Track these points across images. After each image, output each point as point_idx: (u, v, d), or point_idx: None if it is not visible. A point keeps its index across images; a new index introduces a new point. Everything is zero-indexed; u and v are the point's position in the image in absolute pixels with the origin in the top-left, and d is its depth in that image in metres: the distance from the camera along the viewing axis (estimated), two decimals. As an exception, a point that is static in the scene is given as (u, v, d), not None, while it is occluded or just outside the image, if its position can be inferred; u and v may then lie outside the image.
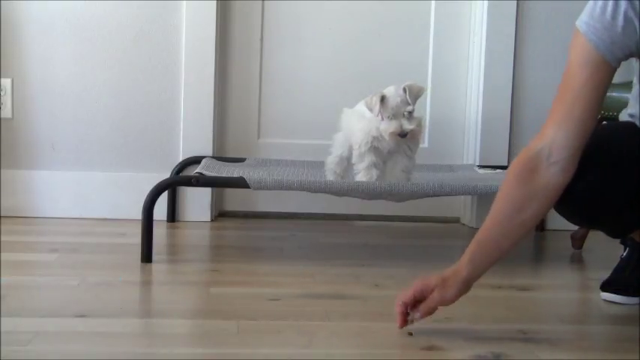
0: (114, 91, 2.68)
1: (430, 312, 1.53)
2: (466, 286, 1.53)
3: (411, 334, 1.54)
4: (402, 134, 2.13)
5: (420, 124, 2.16)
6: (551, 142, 1.52)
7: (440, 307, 1.53)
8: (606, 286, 1.87)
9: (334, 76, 2.84)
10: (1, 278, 1.83)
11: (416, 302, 1.53)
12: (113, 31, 2.66)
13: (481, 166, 2.73)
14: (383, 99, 2.13)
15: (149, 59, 2.68)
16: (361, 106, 2.26)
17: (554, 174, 1.52)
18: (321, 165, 2.49)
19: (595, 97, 1.53)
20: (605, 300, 1.85)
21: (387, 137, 2.14)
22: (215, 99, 2.72)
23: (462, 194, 2.41)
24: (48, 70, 2.65)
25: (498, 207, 1.56)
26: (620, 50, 1.50)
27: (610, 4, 1.48)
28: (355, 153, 2.22)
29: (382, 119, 2.15)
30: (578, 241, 2.46)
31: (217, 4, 2.68)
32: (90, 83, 2.67)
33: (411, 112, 2.14)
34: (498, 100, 2.80)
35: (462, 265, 1.53)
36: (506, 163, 2.78)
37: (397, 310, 1.54)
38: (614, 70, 1.54)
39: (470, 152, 2.86)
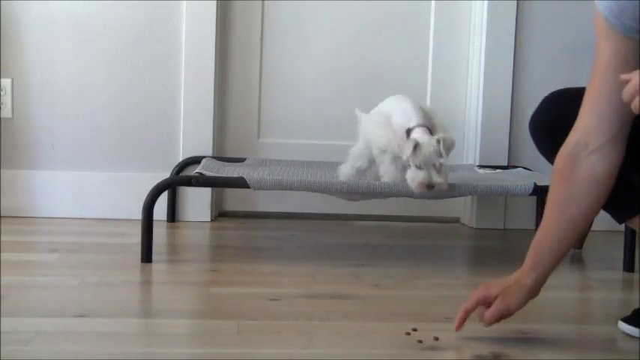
0: (114, 91, 2.68)
1: (495, 321, 1.49)
2: (534, 292, 1.50)
3: (409, 333, 1.54)
4: (430, 186, 2.02)
5: (447, 178, 2.06)
6: (585, 132, 1.44)
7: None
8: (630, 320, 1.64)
9: (334, 76, 2.84)
10: (1, 278, 1.83)
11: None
12: (113, 31, 2.67)
13: (481, 166, 2.73)
14: (416, 146, 2.01)
15: (149, 59, 2.68)
16: (383, 107, 2.21)
17: (596, 163, 1.44)
18: (321, 165, 2.49)
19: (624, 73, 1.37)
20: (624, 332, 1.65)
21: (412, 186, 2.04)
22: (215, 99, 2.72)
23: (462, 194, 2.40)
24: (48, 70, 2.65)
25: (549, 209, 1.50)
26: (633, 20, 1.37)
27: None
28: (375, 152, 2.18)
29: (410, 165, 2.05)
30: (578, 241, 2.46)
31: (217, 4, 2.68)
32: (90, 83, 2.67)
33: (441, 164, 2.03)
34: (498, 100, 2.80)
35: (525, 272, 1.50)
36: (506, 163, 2.79)
37: (458, 315, 1.51)
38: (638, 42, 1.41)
39: (470, 152, 2.86)
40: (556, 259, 1.51)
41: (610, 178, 1.46)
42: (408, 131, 2.08)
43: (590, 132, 1.44)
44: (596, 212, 1.51)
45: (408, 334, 1.54)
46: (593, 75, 1.45)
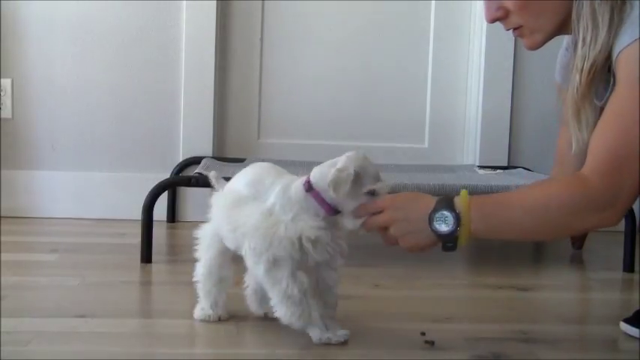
0: (114, 91, 2.68)
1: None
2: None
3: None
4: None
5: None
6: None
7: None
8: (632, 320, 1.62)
9: (334, 76, 2.84)
10: (1, 278, 1.83)
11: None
12: (113, 31, 2.67)
13: (481, 167, 2.73)
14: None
15: (149, 59, 2.68)
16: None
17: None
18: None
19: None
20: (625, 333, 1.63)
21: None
22: (215, 99, 2.72)
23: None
24: (48, 70, 2.65)
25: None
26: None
27: (565, 39, 1.55)
28: None
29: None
30: (578, 241, 2.46)
31: (217, 4, 2.68)
32: (90, 83, 2.67)
33: None
34: (498, 100, 2.80)
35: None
36: (506, 163, 2.79)
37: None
38: None
39: (470, 152, 2.86)
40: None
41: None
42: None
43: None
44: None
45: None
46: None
